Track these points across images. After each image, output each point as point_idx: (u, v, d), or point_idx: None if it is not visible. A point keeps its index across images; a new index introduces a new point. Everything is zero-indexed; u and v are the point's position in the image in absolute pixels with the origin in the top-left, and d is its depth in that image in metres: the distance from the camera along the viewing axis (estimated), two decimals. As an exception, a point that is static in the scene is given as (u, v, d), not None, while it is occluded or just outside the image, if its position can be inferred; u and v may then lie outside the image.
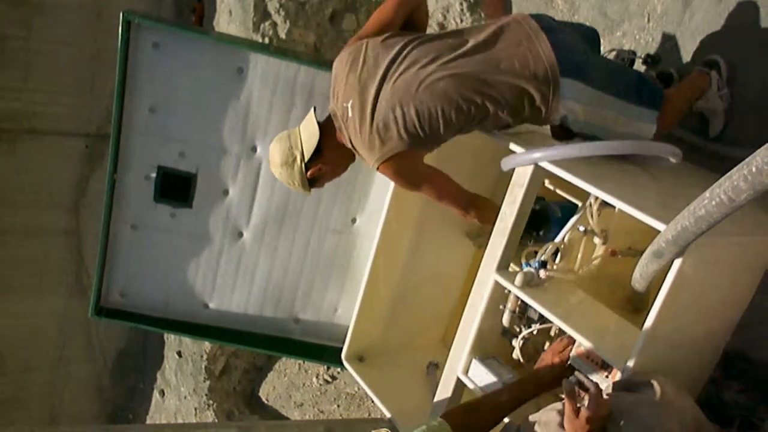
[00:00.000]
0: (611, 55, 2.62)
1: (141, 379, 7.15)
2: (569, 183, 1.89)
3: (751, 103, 2.35)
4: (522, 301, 2.13)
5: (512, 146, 2.09)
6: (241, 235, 3.16)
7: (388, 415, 2.70)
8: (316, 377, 4.90)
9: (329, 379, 4.82)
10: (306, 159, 2.24)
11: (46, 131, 6.43)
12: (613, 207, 1.84)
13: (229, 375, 5.64)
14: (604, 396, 1.70)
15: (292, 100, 2.87)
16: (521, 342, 2.22)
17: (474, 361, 2.24)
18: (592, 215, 2.10)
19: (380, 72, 2.09)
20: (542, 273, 2.06)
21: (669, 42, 2.62)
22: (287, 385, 5.24)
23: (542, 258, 2.10)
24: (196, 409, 5.75)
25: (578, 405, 1.61)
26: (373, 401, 2.89)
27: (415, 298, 3.00)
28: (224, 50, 2.84)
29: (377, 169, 2.17)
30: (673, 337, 1.87)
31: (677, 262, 1.65)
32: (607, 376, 1.92)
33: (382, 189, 2.86)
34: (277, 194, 3.05)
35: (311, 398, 4.93)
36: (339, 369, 4.64)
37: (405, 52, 2.09)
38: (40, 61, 6.12)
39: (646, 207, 1.70)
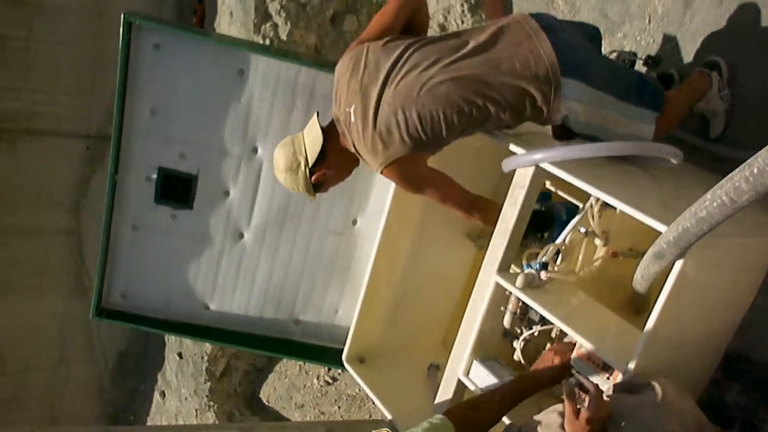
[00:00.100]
0: (612, 57, 2.62)
1: (142, 381, 7.15)
2: (570, 184, 1.89)
3: (752, 104, 2.35)
4: (523, 303, 2.13)
5: (513, 147, 2.09)
6: (241, 236, 3.16)
7: (388, 416, 2.70)
8: (317, 379, 4.90)
9: (330, 381, 4.82)
10: (310, 164, 2.24)
11: (46, 132, 6.44)
12: (614, 208, 1.84)
13: (230, 376, 5.64)
14: (605, 397, 1.70)
15: (293, 101, 2.87)
16: (522, 343, 2.22)
17: (475, 362, 2.24)
18: (593, 216, 2.10)
19: (382, 76, 2.09)
20: (543, 274, 2.06)
21: (670, 43, 2.62)
22: (288, 386, 5.24)
23: (543, 259, 2.10)
24: (196, 410, 5.75)
25: (578, 407, 1.61)
26: (374, 403, 2.89)
27: (416, 299, 3.00)
28: (225, 52, 2.84)
29: (381, 173, 2.17)
30: (675, 339, 1.87)
31: (678, 264, 1.65)
32: (608, 378, 1.92)
33: (383, 190, 2.86)
34: (277, 195, 3.05)
35: (312, 400, 4.93)
36: (340, 370, 4.64)
37: (406, 55, 2.09)
38: (40, 62, 6.13)
39: (648, 208, 1.70)
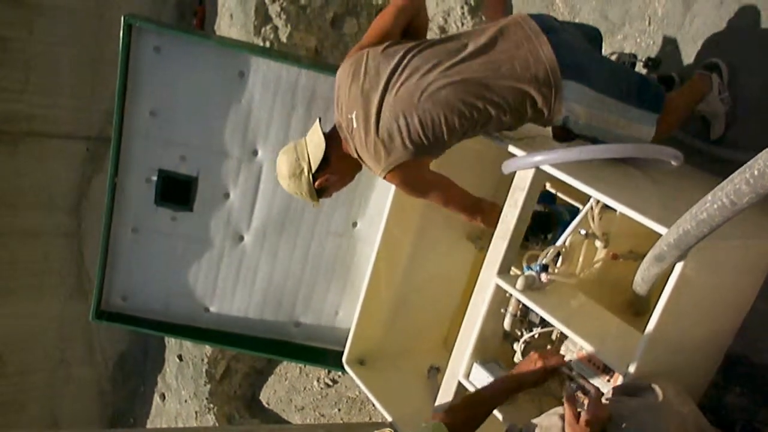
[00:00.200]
0: (612, 59, 2.62)
1: (142, 383, 7.14)
2: (570, 186, 1.89)
3: (753, 105, 2.35)
4: (523, 305, 2.12)
5: (513, 149, 2.09)
6: (242, 238, 3.15)
7: (389, 419, 2.69)
8: (317, 381, 4.90)
9: (330, 383, 4.82)
10: (313, 170, 2.25)
11: (46, 134, 6.44)
12: (615, 210, 1.84)
13: (230, 379, 5.64)
14: (604, 400, 1.69)
15: (293, 103, 2.87)
16: (523, 346, 2.21)
17: (475, 365, 2.23)
18: (593, 218, 2.09)
19: (382, 82, 2.09)
20: (544, 276, 2.06)
21: (670, 45, 2.62)
22: (288, 388, 5.24)
23: (543, 261, 2.10)
24: (196, 412, 5.75)
25: (578, 410, 1.61)
26: (374, 405, 2.88)
27: (417, 301, 2.99)
28: (225, 54, 2.84)
29: (384, 178, 2.18)
30: (675, 341, 1.87)
31: (679, 266, 1.64)
32: (608, 380, 1.91)
33: (383, 192, 2.86)
34: (278, 198, 3.05)
35: (312, 402, 4.92)
36: (340, 373, 4.64)
37: (405, 60, 2.09)
38: (41, 64, 6.14)
39: (648, 210, 1.70)
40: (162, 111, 2.88)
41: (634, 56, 2.61)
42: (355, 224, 3.14)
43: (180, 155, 2.95)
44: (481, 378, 2.21)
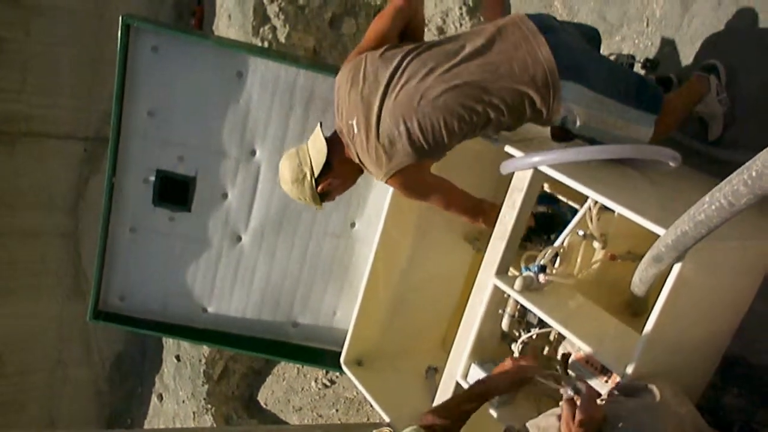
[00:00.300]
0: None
1: (139, 383, 7.14)
2: (568, 187, 1.89)
3: (751, 107, 2.35)
4: (521, 306, 2.12)
5: (511, 150, 2.09)
6: (239, 238, 3.15)
7: (386, 419, 2.69)
8: (315, 381, 4.89)
9: (328, 384, 4.82)
10: (316, 175, 2.25)
11: (44, 134, 6.44)
12: (613, 211, 1.84)
13: (228, 379, 5.63)
14: (600, 401, 1.69)
15: (291, 104, 2.87)
16: (520, 346, 2.21)
17: (473, 365, 2.23)
18: (591, 219, 2.09)
19: (381, 88, 2.10)
20: (541, 277, 2.06)
21: (668, 46, 2.62)
22: (286, 389, 5.24)
23: (541, 262, 2.10)
24: (194, 413, 5.74)
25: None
26: (371, 406, 2.88)
27: (414, 302, 2.99)
28: (223, 54, 2.84)
29: (385, 182, 2.19)
30: (673, 342, 1.87)
31: (677, 267, 1.64)
32: (606, 381, 1.91)
33: (382, 193, 2.86)
34: (276, 198, 3.05)
35: (310, 402, 4.92)
36: (338, 373, 4.63)
37: (404, 65, 2.09)
38: (39, 64, 6.13)
39: (646, 211, 1.70)
40: (160, 111, 2.88)
41: (633, 57, 2.61)
42: (353, 225, 3.14)
43: (178, 155, 2.95)
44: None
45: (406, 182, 2.19)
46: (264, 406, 5.50)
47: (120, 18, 2.69)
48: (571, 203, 2.32)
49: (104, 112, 6.23)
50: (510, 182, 2.11)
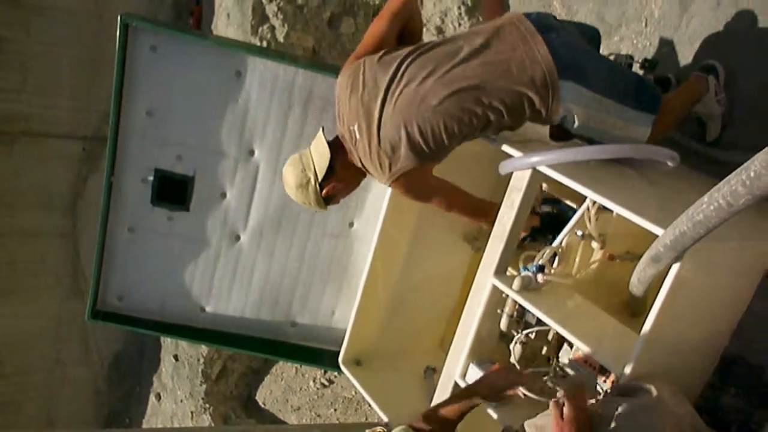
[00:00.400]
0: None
1: (137, 383, 7.13)
2: (567, 187, 1.89)
3: (749, 107, 2.35)
4: (520, 306, 2.13)
5: (510, 150, 2.09)
6: (238, 238, 3.15)
7: (385, 419, 2.69)
8: (313, 381, 4.89)
9: (326, 383, 4.82)
10: (319, 179, 2.26)
11: (43, 133, 6.44)
12: (611, 211, 1.84)
13: (226, 379, 5.63)
14: (597, 400, 1.69)
15: (290, 103, 2.87)
16: (519, 346, 2.21)
17: (471, 365, 2.23)
18: (589, 219, 2.10)
19: (381, 94, 2.10)
20: (540, 277, 2.06)
21: (666, 47, 2.62)
22: (284, 388, 5.24)
23: (540, 262, 2.10)
24: (192, 412, 5.74)
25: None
26: (370, 405, 2.88)
27: (413, 301, 2.99)
28: (222, 53, 2.84)
29: (389, 186, 2.21)
30: (671, 342, 1.87)
31: (675, 267, 1.64)
32: (605, 381, 1.91)
33: (380, 193, 2.86)
34: (274, 197, 3.05)
35: (308, 402, 4.92)
36: (336, 373, 4.63)
37: (402, 69, 2.09)
38: (38, 64, 6.13)
39: (644, 211, 1.70)
40: (159, 110, 2.88)
41: (631, 57, 2.61)
42: (351, 224, 3.14)
43: (176, 155, 2.95)
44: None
45: (408, 186, 2.20)
46: (262, 406, 5.50)
47: (119, 17, 2.68)
48: (568, 202, 2.32)
49: (103, 112, 6.22)
50: (509, 182, 2.11)
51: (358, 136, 2.16)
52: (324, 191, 2.29)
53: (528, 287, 2.06)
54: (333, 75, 2.78)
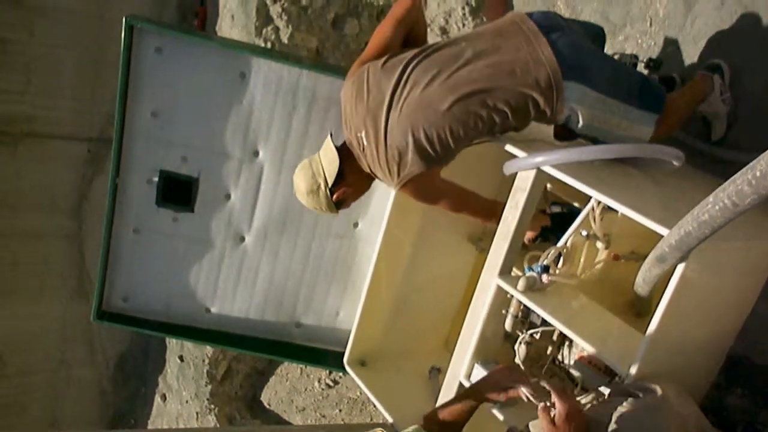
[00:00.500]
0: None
1: (143, 384, 7.14)
2: (572, 187, 1.88)
3: (754, 106, 2.35)
4: (524, 306, 2.12)
5: (514, 150, 2.08)
6: (243, 239, 3.15)
7: (390, 419, 2.69)
8: (318, 382, 4.89)
9: (331, 384, 4.82)
10: (330, 185, 2.28)
11: (48, 135, 6.44)
12: (616, 211, 1.83)
13: (231, 379, 5.63)
14: (600, 400, 1.69)
15: (294, 104, 2.87)
16: (524, 347, 2.21)
17: (476, 365, 2.23)
18: (594, 219, 2.09)
19: (386, 101, 2.11)
20: (545, 277, 2.06)
21: (671, 46, 2.62)
22: (289, 389, 5.24)
23: (545, 262, 2.10)
24: (197, 413, 5.74)
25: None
26: (375, 406, 2.88)
27: (418, 302, 2.99)
28: (227, 55, 2.84)
29: (398, 191, 2.23)
30: (676, 342, 1.87)
31: (680, 267, 1.64)
32: (610, 381, 1.91)
33: (384, 193, 2.85)
34: (279, 198, 3.05)
35: (313, 403, 4.92)
36: (341, 373, 4.63)
37: (406, 74, 2.10)
38: (42, 65, 6.13)
39: (649, 211, 1.70)
40: (163, 112, 2.88)
41: (636, 57, 2.61)
42: (356, 225, 3.14)
43: (181, 156, 2.96)
44: (482, 379, 2.20)
45: (417, 190, 2.22)
46: (267, 407, 5.50)
47: (123, 19, 2.69)
48: (573, 203, 2.32)
49: (107, 113, 6.21)
50: (513, 182, 2.11)
51: (365, 143, 2.17)
52: (335, 196, 2.31)
53: (533, 287, 2.06)
54: (337, 76, 2.80)
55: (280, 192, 3.03)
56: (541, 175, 2.01)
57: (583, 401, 1.91)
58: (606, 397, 1.82)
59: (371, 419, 4.32)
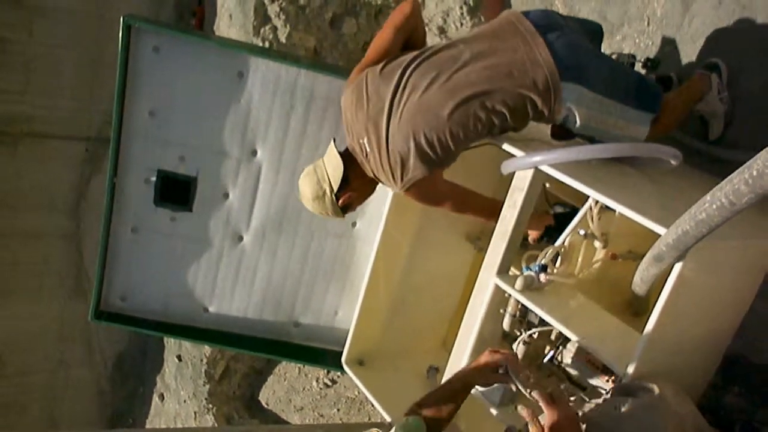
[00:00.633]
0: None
1: (141, 383, 7.14)
2: (569, 186, 1.88)
3: (752, 105, 2.35)
4: (522, 305, 2.12)
5: (512, 150, 2.08)
6: (241, 238, 3.15)
7: (388, 419, 2.69)
8: (316, 381, 4.89)
9: (329, 383, 4.82)
10: (335, 190, 2.28)
11: (46, 134, 6.44)
12: (614, 210, 1.83)
13: (229, 379, 5.63)
14: (598, 400, 1.69)
15: (292, 103, 2.87)
16: (522, 346, 2.21)
17: (474, 364, 2.23)
18: (592, 219, 2.09)
19: (386, 107, 2.11)
20: (543, 277, 2.06)
21: (669, 45, 2.62)
22: (287, 389, 5.24)
23: (542, 262, 2.10)
24: (195, 413, 5.74)
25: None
26: (373, 405, 2.88)
27: (416, 301, 2.99)
28: (224, 54, 2.84)
29: (402, 194, 2.25)
30: (674, 341, 1.87)
31: (678, 266, 1.64)
32: (607, 380, 1.91)
33: (383, 193, 2.85)
34: (277, 198, 3.05)
35: (311, 402, 4.92)
36: (339, 373, 4.64)
37: (404, 79, 2.10)
38: (41, 65, 6.13)
39: (647, 210, 1.70)
40: (161, 111, 2.88)
41: (633, 57, 2.61)
42: (354, 224, 3.14)
43: (179, 155, 2.96)
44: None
45: (421, 193, 2.23)
46: (265, 406, 5.50)
47: (121, 18, 2.69)
48: (571, 202, 2.32)
49: (105, 113, 6.22)
50: (511, 182, 2.11)
51: (368, 149, 2.18)
52: (340, 201, 2.32)
53: (531, 287, 2.06)
54: (335, 75, 2.80)
55: (278, 191, 3.03)
56: (538, 175, 2.01)
57: (580, 402, 1.91)
58: (605, 396, 1.83)
59: (369, 418, 4.33)
